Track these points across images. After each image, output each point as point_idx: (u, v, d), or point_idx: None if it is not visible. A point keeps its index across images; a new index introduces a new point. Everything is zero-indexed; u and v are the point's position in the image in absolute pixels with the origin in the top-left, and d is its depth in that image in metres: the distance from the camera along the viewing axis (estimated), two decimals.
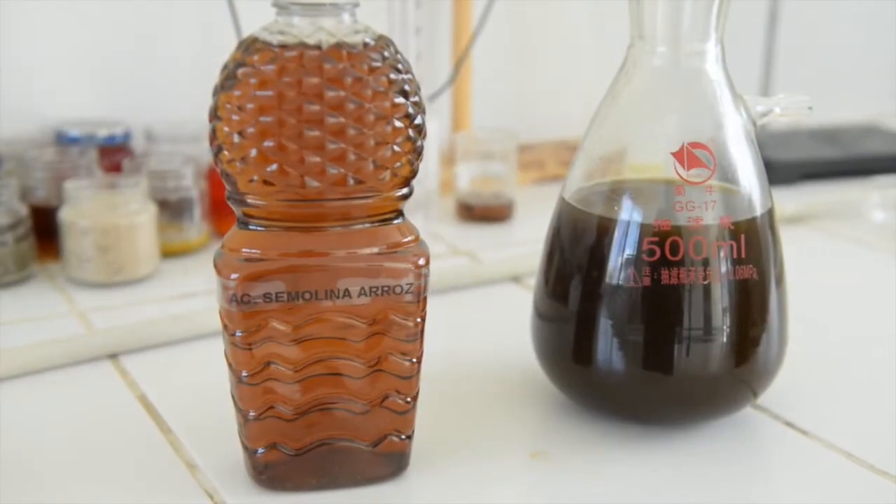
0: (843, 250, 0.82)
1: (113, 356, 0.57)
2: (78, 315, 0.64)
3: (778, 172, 0.94)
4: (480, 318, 0.66)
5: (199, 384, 0.54)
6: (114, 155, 0.77)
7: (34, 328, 0.61)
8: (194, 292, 0.68)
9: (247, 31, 0.73)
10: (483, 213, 0.85)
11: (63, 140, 0.77)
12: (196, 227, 0.74)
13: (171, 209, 0.72)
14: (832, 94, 1.12)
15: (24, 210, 0.68)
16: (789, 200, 0.86)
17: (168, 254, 0.73)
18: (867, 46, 1.26)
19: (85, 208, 0.67)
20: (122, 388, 0.54)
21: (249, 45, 0.40)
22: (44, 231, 0.70)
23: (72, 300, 0.66)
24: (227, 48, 0.64)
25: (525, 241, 0.79)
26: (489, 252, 0.77)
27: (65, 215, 0.67)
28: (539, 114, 1.05)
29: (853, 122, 1.17)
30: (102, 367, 0.56)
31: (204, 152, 0.79)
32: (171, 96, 0.85)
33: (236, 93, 0.39)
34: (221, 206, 0.75)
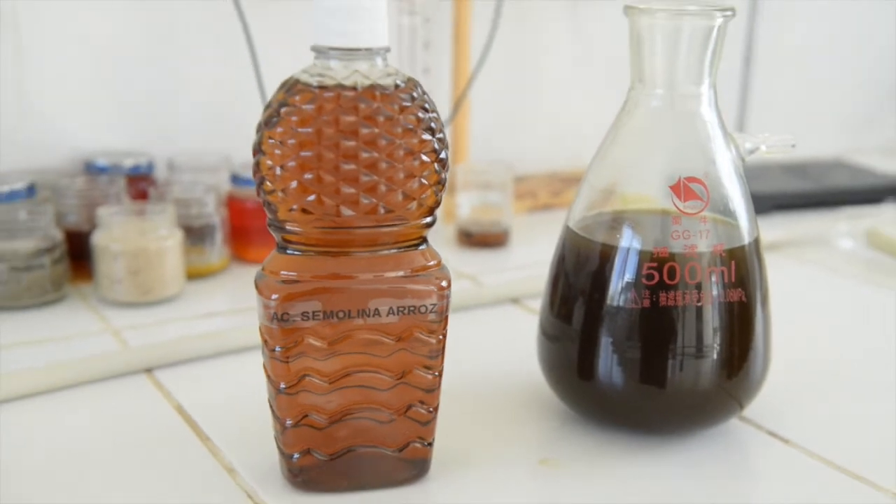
0: (814, 275, 0.84)
1: (148, 370, 0.60)
2: (112, 333, 0.66)
3: (753, 203, 0.97)
4: (485, 337, 0.68)
5: (229, 395, 0.57)
6: (138, 183, 0.79)
7: (71, 345, 0.63)
8: (218, 311, 0.70)
9: (265, 75, 0.76)
10: (481, 239, 0.87)
11: (92, 169, 0.79)
12: (217, 251, 0.76)
13: (194, 234, 0.74)
14: (802, 132, 1.18)
15: (59, 235, 0.70)
16: (764, 230, 0.89)
17: (191, 276, 0.75)
18: (832, 88, 1.30)
19: (116, 233, 0.69)
20: (160, 399, 0.56)
21: (291, 87, 0.43)
22: (75, 254, 0.72)
23: (105, 319, 0.68)
24: (241, 86, 0.66)
25: (522, 266, 0.82)
26: (489, 276, 0.80)
27: (98, 240, 0.69)
28: (531, 148, 1.08)
29: (822, 157, 1.21)
30: (139, 381, 0.59)
31: (223, 182, 0.81)
32: (189, 130, 0.86)
33: (279, 129, 0.42)
34: (240, 232, 0.78)
